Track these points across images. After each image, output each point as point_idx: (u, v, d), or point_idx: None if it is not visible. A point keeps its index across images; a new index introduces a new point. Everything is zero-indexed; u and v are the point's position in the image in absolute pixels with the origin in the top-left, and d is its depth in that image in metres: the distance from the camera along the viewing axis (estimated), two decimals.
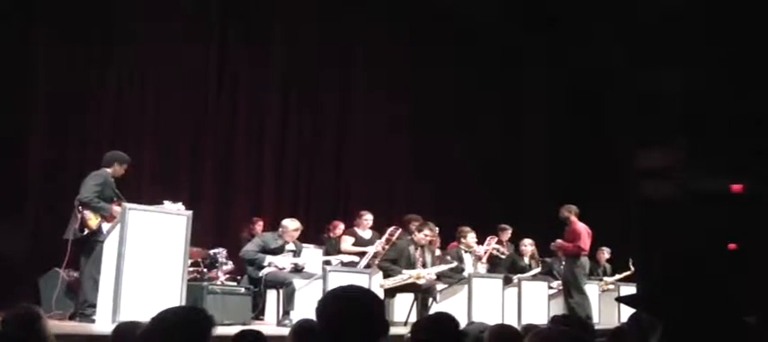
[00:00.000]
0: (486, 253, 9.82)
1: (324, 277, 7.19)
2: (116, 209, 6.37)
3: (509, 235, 10.31)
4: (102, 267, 6.04)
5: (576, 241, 9.15)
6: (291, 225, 7.60)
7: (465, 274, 8.79)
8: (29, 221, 8.10)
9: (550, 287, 9.95)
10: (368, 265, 8.22)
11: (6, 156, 7.92)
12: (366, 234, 8.69)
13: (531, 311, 9.06)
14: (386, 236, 8.47)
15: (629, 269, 11.24)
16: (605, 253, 11.48)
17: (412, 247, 8.18)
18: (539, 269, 10.19)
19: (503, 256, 10.02)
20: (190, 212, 6.42)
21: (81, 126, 8.76)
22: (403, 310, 8.12)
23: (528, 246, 10.23)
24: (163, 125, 9.53)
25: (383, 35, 11.78)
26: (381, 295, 7.34)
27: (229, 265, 8.54)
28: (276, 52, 10.81)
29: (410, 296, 8.07)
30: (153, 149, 9.40)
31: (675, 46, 11.66)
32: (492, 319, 6.45)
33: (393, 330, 2.45)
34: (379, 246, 8.37)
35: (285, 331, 4.77)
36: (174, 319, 2.45)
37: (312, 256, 8.27)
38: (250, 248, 7.52)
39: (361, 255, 8.34)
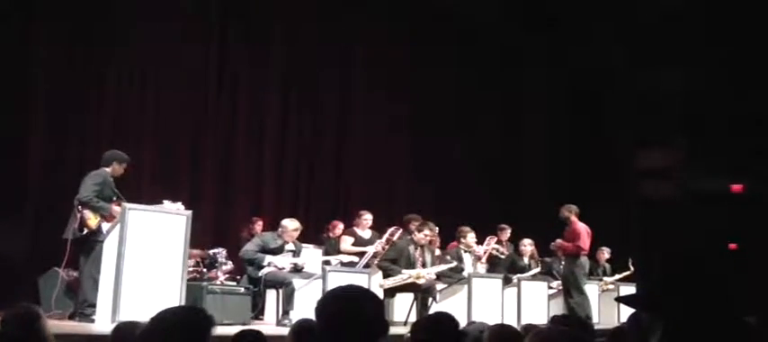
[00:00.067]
0: (485, 253, 9.82)
1: (323, 277, 7.19)
2: (116, 208, 6.37)
3: (508, 235, 10.31)
4: (101, 267, 6.04)
5: (576, 241, 9.15)
6: (291, 225, 7.60)
7: (465, 273, 8.79)
8: (29, 221, 8.09)
9: (550, 287, 9.95)
10: (367, 265, 8.22)
11: (6, 155, 7.92)
12: (366, 234, 8.69)
13: (530, 311, 9.06)
14: (386, 236, 8.47)
15: (629, 269, 11.24)
16: (605, 253, 11.48)
17: (412, 247, 8.18)
18: (538, 269, 10.18)
19: (502, 256, 10.02)
20: (189, 212, 6.42)
21: (81, 126, 8.75)
22: (403, 310, 8.12)
23: (527, 246, 10.23)
24: (163, 125, 9.53)
25: (383, 35, 11.78)
26: (381, 295, 7.33)
27: (229, 265, 8.54)
28: (276, 52, 10.81)
29: (410, 296, 8.07)
30: (153, 149, 9.40)
31: (675, 46, 11.66)
32: (492, 319, 6.44)
33: (393, 330, 2.45)
34: (378, 246, 8.37)
35: (285, 331, 4.76)
36: (173, 318, 2.45)
37: (312, 255, 8.27)
38: (249, 248, 7.52)
39: (361, 255, 8.34)
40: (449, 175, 12.01)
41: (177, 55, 9.59)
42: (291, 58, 10.89)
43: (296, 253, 7.71)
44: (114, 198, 6.54)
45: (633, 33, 12.19)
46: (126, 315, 5.29)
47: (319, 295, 3.19)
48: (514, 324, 7.13)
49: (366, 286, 5.99)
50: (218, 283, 7.74)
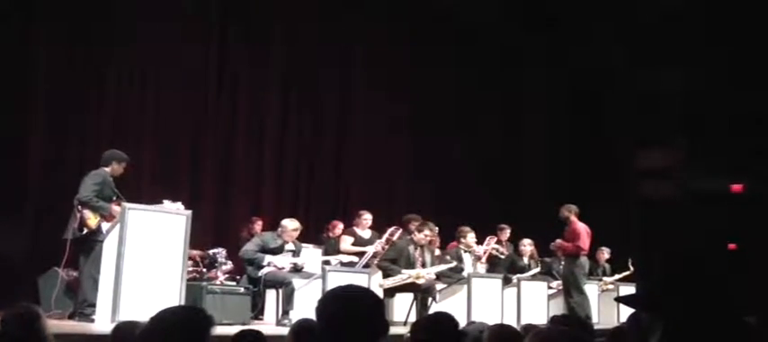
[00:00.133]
0: (485, 253, 9.82)
1: (323, 277, 7.19)
2: (115, 208, 6.37)
3: (508, 235, 10.30)
4: (101, 267, 6.04)
5: (576, 241, 9.15)
6: (291, 225, 7.60)
7: (464, 273, 8.78)
8: (29, 221, 8.10)
9: (550, 287, 9.95)
10: (367, 265, 8.22)
11: (6, 155, 7.92)
12: (365, 234, 8.69)
13: (530, 311, 9.06)
14: (386, 236, 8.48)
15: (629, 269, 11.24)
16: (605, 253, 11.48)
17: (411, 247, 8.18)
18: (538, 269, 10.19)
19: (502, 256, 10.02)
20: (189, 212, 6.42)
21: (81, 126, 8.76)
22: (402, 310, 8.11)
23: (527, 246, 10.23)
24: (163, 125, 9.53)
25: (383, 35, 11.78)
26: (380, 295, 7.33)
27: (229, 265, 8.54)
28: (276, 52, 10.81)
29: (409, 296, 8.07)
30: (153, 149, 9.40)
31: (675, 46, 11.66)
32: (491, 319, 6.44)
33: (392, 330, 2.45)
34: (378, 245, 8.38)
35: (284, 331, 4.76)
36: (173, 318, 2.45)
37: (311, 255, 8.27)
38: (249, 248, 7.52)
39: (361, 255, 8.34)
40: (449, 175, 12.01)
41: (177, 55, 9.59)
42: (291, 58, 10.89)
43: (296, 253, 7.71)
44: (114, 198, 6.54)
45: (633, 33, 12.19)
46: (126, 315, 5.29)
47: (319, 295, 3.19)
48: (514, 324, 7.13)
49: (366, 286, 6.00)
50: (218, 282, 7.74)
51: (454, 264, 8.68)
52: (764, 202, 11.30)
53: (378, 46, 11.68)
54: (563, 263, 9.75)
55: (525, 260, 10.20)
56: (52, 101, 8.48)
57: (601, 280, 11.06)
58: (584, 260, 9.48)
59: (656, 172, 12.51)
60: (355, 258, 8.25)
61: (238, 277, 8.13)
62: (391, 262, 8.08)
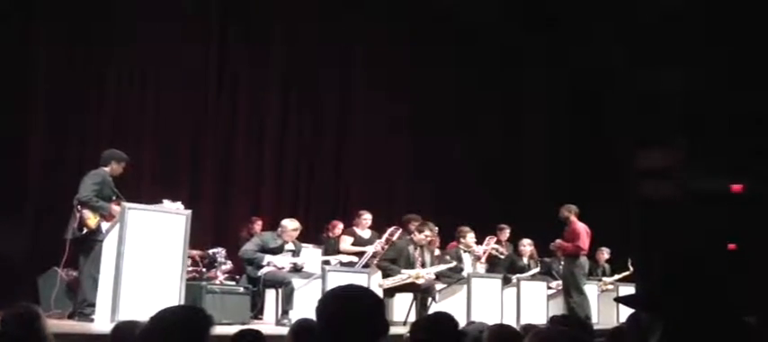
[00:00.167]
0: (485, 253, 9.82)
1: (323, 277, 7.19)
2: (115, 208, 6.37)
3: (508, 235, 10.30)
4: (101, 266, 6.04)
5: (576, 241, 9.15)
6: (291, 225, 7.60)
7: (464, 273, 8.78)
8: (29, 221, 8.09)
9: (549, 287, 9.95)
10: (366, 265, 8.23)
11: (6, 155, 7.92)
12: (365, 234, 8.70)
13: (529, 311, 9.06)
14: (385, 236, 8.48)
15: (629, 269, 11.24)
16: (604, 253, 11.48)
17: (411, 247, 8.18)
18: (537, 269, 10.18)
19: (502, 256, 10.02)
20: (189, 212, 6.42)
21: (81, 126, 8.75)
22: (402, 310, 8.11)
23: (527, 246, 10.23)
24: (163, 125, 9.53)
25: (383, 35, 11.78)
26: (380, 295, 7.33)
27: (228, 265, 8.54)
28: (276, 52, 10.81)
29: (409, 296, 8.07)
30: (153, 149, 9.40)
31: (675, 46, 11.66)
32: (491, 319, 6.44)
33: (392, 330, 2.44)
34: (378, 245, 8.38)
35: (284, 331, 4.76)
36: (172, 318, 2.45)
37: (311, 255, 8.27)
38: (249, 248, 7.52)
39: (360, 254, 8.34)
40: (449, 175, 12.01)
41: (177, 55, 9.59)
42: (291, 58, 10.89)
43: (295, 253, 7.71)
44: (114, 197, 6.54)
45: (633, 33, 12.19)
46: (125, 314, 5.29)
47: (319, 295, 3.19)
48: (514, 324, 7.13)
49: (366, 286, 5.99)
50: (218, 282, 7.74)
51: (454, 264, 8.68)
52: (764, 202, 11.30)
53: (378, 46, 11.68)
54: (563, 263, 9.75)
55: (525, 260, 10.20)
56: (52, 101, 8.47)
57: (600, 280, 11.06)
58: (583, 260, 9.48)
59: (656, 172, 12.51)
60: (355, 258, 8.25)
61: (238, 277, 8.13)
62: (391, 262, 8.08)
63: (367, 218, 8.77)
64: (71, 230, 6.42)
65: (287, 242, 7.59)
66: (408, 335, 3.22)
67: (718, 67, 11.42)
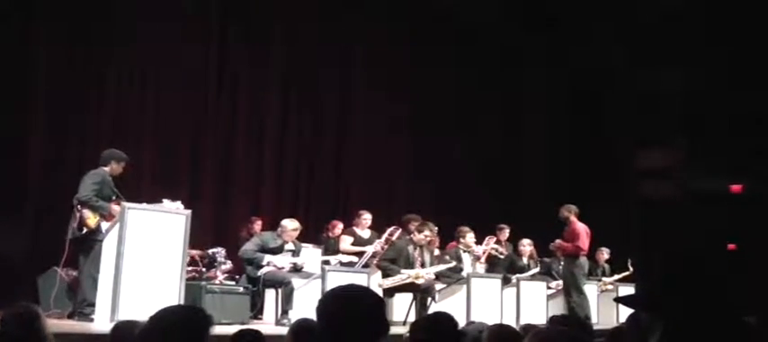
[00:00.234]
0: (484, 253, 9.82)
1: (322, 277, 7.19)
2: (115, 208, 6.37)
3: (507, 235, 10.30)
4: (100, 266, 6.03)
5: (576, 241, 9.15)
6: (291, 225, 7.60)
7: (464, 273, 8.78)
8: (29, 221, 8.09)
9: (549, 287, 9.95)
10: (366, 265, 8.23)
11: (6, 155, 7.92)
12: (365, 234, 8.70)
13: (529, 311, 9.05)
14: (385, 235, 8.48)
15: (628, 269, 11.24)
16: (604, 253, 11.47)
17: (411, 247, 8.18)
18: (537, 269, 10.19)
19: (501, 256, 10.02)
20: (189, 211, 6.41)
21: (81, 125, 8.76)
22: (402, 310, 8.11)
23: (526, 246, 10.23)
24: (163, 125, 9.53)
25: (383, 35, 11.78)
26: (380, 295, 7.32)
27: (228, 265, 8.54)
28: (276, 52, 10.81)
29: (409, 296, 8.07)
30: (153, 149, 9.40)
31: (675, 46, 11.66)
32: (490, 319, 6.44)
33: (392, 330, 2.45)
34: (377, 245, 8.38)
35: (284, 331, 4.75)
36: (172, 318, 2.45)
37: (311, 255, 8.27)
38: (249, 248, 7.52)
39: (360, 254, 8.35)
40: (449, 175, 12.01)
41: (177, 55, 9.60)
42: (291, 58, 10.89)
43: (295, 253, 7.71)
44: (113, 197, 6.54)
45: (633, 33, 12.19)
46: (125, 314, 5.29)
47: (318, 295, 3.19)
48: (513, 324, 7.12)
49: (366, 286, 5.99)
50: (217, 282, 7.74)
51: (453, 264, 8.68)
52: (764, 202, 11.30)
53: (378, 46, 11.68)
54: (562, 263, 9.75)
55: (524, 260, 10.20)
56: (52, 101, 8.47)
57: (600, 280, 11.06)
58: (583, 260, 9.48)
59: (656, 172, 12.51)
60: (355, 258, 8.25)
61: (238, 277, 8.13)
62: (390, 262, 8.08)
63: (367, 218, 8.77)
64: (71, 230, 6.42)
65: (287, 242, 7.59)
66: (408, 335, 3.22)
67: (718, 67, 11.41)
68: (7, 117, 7.96)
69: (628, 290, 10.05)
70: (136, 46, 9.20)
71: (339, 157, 11.54)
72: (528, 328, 3.78)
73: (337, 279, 6.65)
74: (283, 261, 7.44)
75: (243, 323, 6.39)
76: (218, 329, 2.76)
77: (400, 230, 8.53)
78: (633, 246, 11.92)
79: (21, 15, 8.21)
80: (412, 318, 7.57)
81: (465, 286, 8.50)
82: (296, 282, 7.22)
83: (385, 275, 8.03)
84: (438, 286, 8.40)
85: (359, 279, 7.13)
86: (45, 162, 8.35)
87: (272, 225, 8.39)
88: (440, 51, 12.25)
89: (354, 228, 8.78)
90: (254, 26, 10.52)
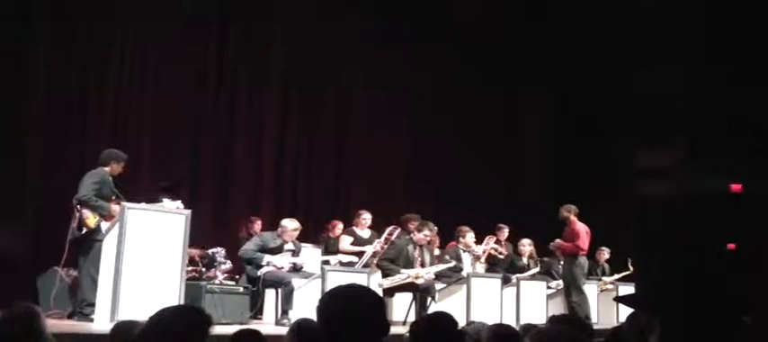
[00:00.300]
0: (484, 252, 9.82)
1: (322, 277, 7.19)
2: (114, 208, 6.37)
3: (507, 234, 10.31)
4: (100, 266, 6.04)
5: (575, 241, 9.15)
6: (291, 225, 7.60)
7: (464, 273, 8.78)
8: (29, 221, 8.10)
9: (549, 287, 9.95)
10: (366, 265, 8.23)
11: (6, 155, 7.92)
12: (365, 233, 8.70)
13: (529, 311, 9.06)
14: (384, 235, 8.48)
15: (628, 269, 11.24)
16: (604, 253, 11.48)
17: (411, 247, 8.18)
18: (537, 269, 10.19)
19: (501, 256, 10.02)
20: (188, 211, 6.42)
21: (80, 125, 8.76)
22: (401, 310, 8.12)
23: (526, 245, 10.24)
24: (163, 125, 9.53)
25: (383, 35, 11.77)
26: (380, 294, 7.32)
27: (228, 265, 8.54)
28: (276, 52, 10.81)
29: (409, 295, 8.07)
30: (153, 149, 9.40)
31: (675, 46, 11.64)
32: (490, 319, 6.43)
33: (392, 330, 2.45)
34: (377, 245, 8.38)
35: (283, 331, 4.74)
36: (172, 318, 2.45)
37: (311, 255, 8.27)
38: (249, 247, 7.52)
39: (360, 254, 8.35)
40: (449, 175, 12.01)
41: (177, 55, 9.60)
42: (291, 58, 10.89)
43: (295, 252, 7.71)
44: (113, 197, 6.55)
45: (633, 33, 12.18)
46: (125, 314, 5.29)
47: (318, 295, 3.19)
48: (513, 324, 7.13)
49: (366, 286, 5.99)
50: (217, 282, 7.74)
51: (453, 263, 8.68)
52: (764, 202, 11.29)
53: (378, 46, 11.67)
54: (562, 263, 9.75)
55: (524, 260, 10.21)
56: (52, 101, 8.47)
57: (600, 280, 11.07)
58: (583, 260, 9.49)
59: (656, 172, 12.49)
60: (354, 258, 8.25)
61: (237, 277, 8.14)
62: (390, 261, 8.08)
63: (366, 218, 8.77)
64: (71, 230, 6.42)
65: (287, 242, 7.59)
66: (408, 335, 3.22)
67: (718, 67, 11.40)
68: (7, 117, 7.96)
69: (628, 290, 10.05)
70: (136, 46, 9.20)
71: (339, 157, 11.55)
72: (528, 327, 3.79)
73: (337, 279, 6.64)
74: (283, 261, 7.44)
75: (242, 323, 6.39)
76: (217, 329, 2.76)
77: (400, 230, 8.53)
78: (633, 246, 11.91)
79: (21, 15, 8.21)
80: (412, 318, 7.57)
81: (465, 286, 8.50)
82: (296, 282, 7.22)
83: (385, 275, 8.03)
84: (438, 286, 8.40)
85: (359, 279, 7.13)
86: (45, 162, 8.35)
87: (271, 225, 8.40)
88: (440, 51, 12.25)
89: (354, 228, 8.78)
90: (254, 26, 10.53)
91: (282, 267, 7.39)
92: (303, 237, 8.13)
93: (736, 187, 11.96)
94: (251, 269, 7.43)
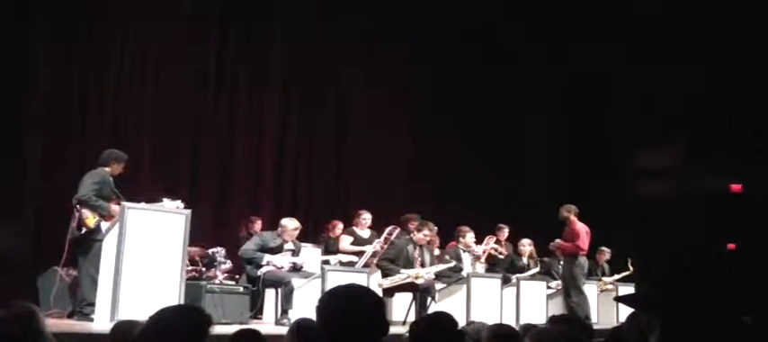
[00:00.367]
0: (484, 252, 9.82)
1: (322, 276, 7.19)
2: (114, 207, 6.37)
3: (507, 234, 10.31)
4: (100, 266, 6.04)
5: (575, 241, 9.15)
6: (291, 224, 7.60)
7: (463, 273, 8.78)
8: (29, 221, 8.10)
9: (549, 287, 9.95)
10: (366, 265, 8.23)
11: (6, 155, 7.92)
12: (365, 233, 8.70)
13: (529, 311, 9.06)
14: (384, 235, 8.48)
15: (628, 269, 11.24)
16: (604, 253, 11.48)
17: (411, 247, 8.18)
18: (537, 269, 10.19)
19: (501, 256, 10.02)
20: (188, 211, 6.42)
21: (80, 125, 8.76)
22: (401, 310, 8.12)
23: (526, 245, 10.24)
24: (163, 125, 9.53)
25: (383, 35, 11.77)
26: (380, 294, 7.32)
27: (228, 264, 8.53)
28: (276, 52, 10.81)
29: (409, 295, 8.07)
30: (153, 149, 9.40)
31: (675, 46, 11.64)
32: (490, 319, 6.43)
33: (392, 330, 2.45)
34: (377, 245, 8.38)
35: (283, 330, 4.74)
36: (171, 317, 2.45)
37: (311, 255, 8.27)
38: (249, 247, 7.52)
39: (360, 254, 8.35)
40: (449, 175, 12.01)
41: (177, 55, 9.60)
42: (291, 58, 10.89)
43: (295, 252, 7.71)
44: (113, 197, 6.55)
45: (633, 33, 12.17)
46: (125, 314, 5.30)
47: (318, 295, 3.19)
48: (513, 324, 7.13)
49: (366, 286, 5.99)
50: (217, 282, 7.74)
51: (453, 263, 8.68)
52: (764, 202, 11.28)
53: (377, 46, 11.67)
54: (562, 263, 9.75)
55: (524, 260, 10.21)
56: (52, 101, 8.47)
57: (600, 280, 11.07)
58: (583, 260, 9.49)
59: (656, 172, 12.49)
60: (354, 258, 8.26)
61: (237, 276, 8.14)
62: (390, 261, 8.08)
63: (366, 217, 8.77)
64: (70, 230, 6.42)
65: (287, 241, 7.59)
66: (408, 335, 3.22)
67: (718, 67, 11.40)
68: (7, 117, 7.96)
69: (628, 290, 10.05)
70: (136, 46, 9.20)
71: (339, 157, 11.55)
72: (528, 327, 3.79)
73: (337, 279, 6.64)
74: (283, 261, 7.44)
75: (242, 323, 6.40)
76: (217, 329, 2.76)
77: (399, 230, 8.53)
78: (633, 246, 11.91)
79: (21, 15, 8.21)
80: (412, 318, 7.57)
81: (465, 286, 8.50)
82: (296, 281, 7.22)
83: (385, 275, 8.03)
84: (438, 286, 8.40)
85: (359, 279, 7.13)
86: (45, 162, 8.35)
87: (271, 225, 8.40)
88: (440, 51, 12.25)
89: (354, 227, 8.78)
90: (254, 26, 10.53)
91: (282, 267, 7.39)
92: (303, 237, 8.14)
93: (736, 187, 11.96)
94: (251, 269, 7.43)
